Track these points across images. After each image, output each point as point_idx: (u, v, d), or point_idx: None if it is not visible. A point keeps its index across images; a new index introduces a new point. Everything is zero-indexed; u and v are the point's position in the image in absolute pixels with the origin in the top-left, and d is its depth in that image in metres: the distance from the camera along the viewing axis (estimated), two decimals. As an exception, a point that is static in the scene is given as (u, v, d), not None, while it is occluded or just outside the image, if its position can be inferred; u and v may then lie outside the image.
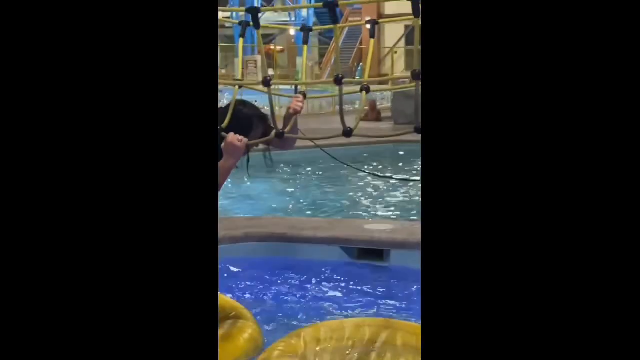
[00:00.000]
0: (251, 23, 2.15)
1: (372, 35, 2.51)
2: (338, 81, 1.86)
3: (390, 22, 12.15)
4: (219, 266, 4.40)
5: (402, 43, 21.82)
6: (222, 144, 2.40)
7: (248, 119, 2.47)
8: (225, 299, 3.25)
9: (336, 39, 1.89)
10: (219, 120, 2.40)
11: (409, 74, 1.81)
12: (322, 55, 25.82)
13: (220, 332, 2.98)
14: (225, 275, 4.28)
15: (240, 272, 4.31)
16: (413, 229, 4.72)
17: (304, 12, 25.71)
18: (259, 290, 4.04)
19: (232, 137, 2.40)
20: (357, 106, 11.10)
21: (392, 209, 7.18)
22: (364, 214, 6.92)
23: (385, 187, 8.13)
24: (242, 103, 2.54)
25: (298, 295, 3.94)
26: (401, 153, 9.84)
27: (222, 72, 20.53)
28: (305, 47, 2.46)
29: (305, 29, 2.41)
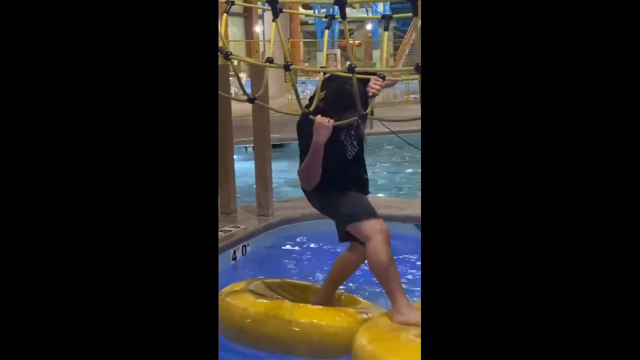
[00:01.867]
0: (336, 16, 2.11)
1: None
2: (418, 69, 1.80)
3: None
4: (304, 238, 4.39)
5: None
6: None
7: (349, 98, 2.39)
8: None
9: (415, 30, 1.82)
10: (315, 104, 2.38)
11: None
12: (396, 48, 25.48)
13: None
14: (310, 247, 4.32)
15: (321, 246, 4.34)
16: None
17: (380, 7, 25.40)
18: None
19: (320, 119, 2.37)
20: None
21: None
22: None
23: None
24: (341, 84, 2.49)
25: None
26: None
27: (305, 64, 20.58)
28: (386, 33, 2.42)
29: (387, 17, 2.38)
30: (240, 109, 5.61)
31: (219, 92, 3.15)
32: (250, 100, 2.50)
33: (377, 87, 2.34)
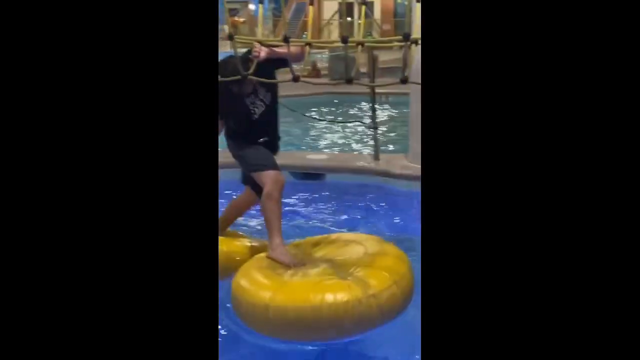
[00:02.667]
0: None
1: (311, 3, 3.09)
2: (286, 40, 2.27)
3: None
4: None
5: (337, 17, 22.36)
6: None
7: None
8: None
9: (283, 10, 2.28)
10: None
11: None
12: (275, 26, 26.47)
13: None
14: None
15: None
16: (342, 158, 5.81)
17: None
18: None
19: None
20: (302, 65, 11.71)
21: (328, 143, 7.91)
22: (306, 147, 7.50)
23: (323, 127, 8.74)
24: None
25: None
26: (335, 101, 10.57)
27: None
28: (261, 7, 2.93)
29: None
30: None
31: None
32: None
33: (258, 50, 2.92)
